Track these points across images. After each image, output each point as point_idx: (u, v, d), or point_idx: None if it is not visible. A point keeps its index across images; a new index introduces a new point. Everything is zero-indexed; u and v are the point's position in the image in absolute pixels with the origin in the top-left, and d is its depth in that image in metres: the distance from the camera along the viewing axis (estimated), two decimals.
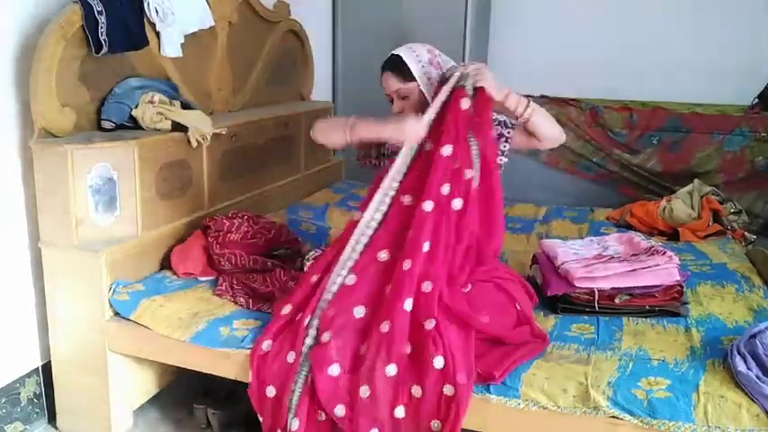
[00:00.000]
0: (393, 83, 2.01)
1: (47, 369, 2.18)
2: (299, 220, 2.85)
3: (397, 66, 2.01)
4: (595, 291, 2.01)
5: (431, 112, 1.87)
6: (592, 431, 1.63)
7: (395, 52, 2.04)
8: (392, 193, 1.90)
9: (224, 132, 2.46)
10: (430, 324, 1.71)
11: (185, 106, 2.35)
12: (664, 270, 2.02)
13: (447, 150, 1.82)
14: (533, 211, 3.14)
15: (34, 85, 1.95)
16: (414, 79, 2.01)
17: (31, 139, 2.00)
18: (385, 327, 1.71)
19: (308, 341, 1.79)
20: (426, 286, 1.76)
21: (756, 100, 3.73)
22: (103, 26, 2.07)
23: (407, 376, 1.69)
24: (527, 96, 1.98)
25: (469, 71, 1.87)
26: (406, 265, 1.76)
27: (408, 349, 1.71)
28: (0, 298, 2.07)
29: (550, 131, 1.97)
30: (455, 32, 3.74)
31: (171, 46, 2.39)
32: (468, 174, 1.84)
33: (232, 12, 2.77)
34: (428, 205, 1.80)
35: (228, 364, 1.92)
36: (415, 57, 2.01)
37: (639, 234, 2.50)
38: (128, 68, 2.29)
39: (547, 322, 1.97)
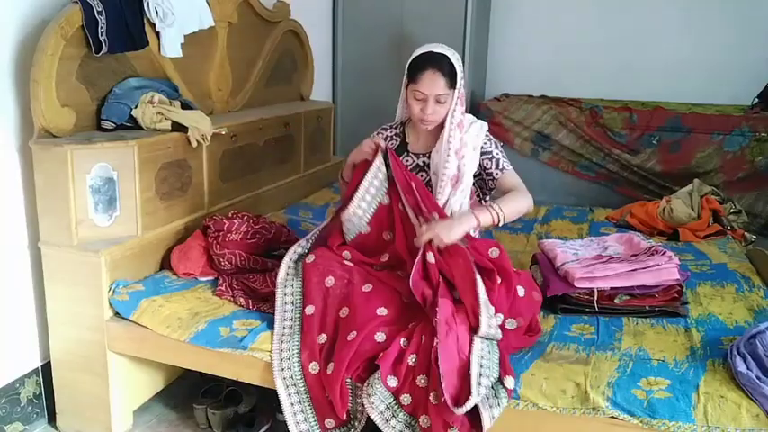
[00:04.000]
0: (441, 85, 1.95)
1: (47, 369, 2.18)
2: (298, 219, 2.85)
3: (448, 67, 1.96)
4: (595, 291, 2.01)
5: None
6: (591, 431, 1.63)
7: (437, 50, 1.98)
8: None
9: (224, 132, 2.46)
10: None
11: (185, 106, 2.34)
12: (664, 270, 2.02)
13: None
14: (533, 211, 3.13)
15: (34, 85, 1.95)
16: (455, 87, 1.99)
17: (31, 139, 2.00)
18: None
19: None
20: None
21: (756, 100, 3.73)
22: (103, 26, 2.07)
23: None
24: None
25: (424, 241, 1.85)
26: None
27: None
28: (0, 298, 2.07)
29: (520, 213, 2.03)
30: (455, 32, 3.74)
31: (171, 46, 2.39)
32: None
33: (232, 12, 2.77)
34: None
35: (228, 364, 1.92)
36: (458, 61, 2.00)
37: (639, 234, 2.50)
38: (128, 68, 2.29)
39: (547, 322, 1.97)
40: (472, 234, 1.98)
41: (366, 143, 2.04)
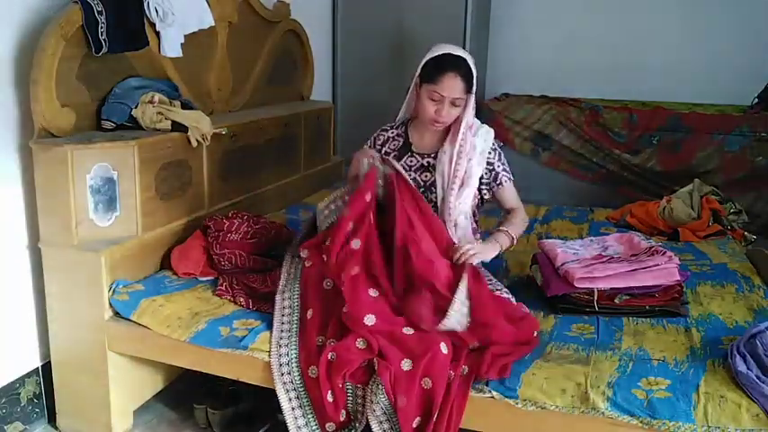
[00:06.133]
0: (460, 89, 1.96)
1: (47, 369, 2.18)
2: (298, 220, 2.85)
3: (467, 71, 1.97)
4: (595, 291, 2.01)
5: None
6: (591, 431, 1.63)
7: (456, 53, 1.98)
8: None
9: (224, 132, 2.46)
10: None
11: (185, 106, 2.34)
12: (664, 270, 2.02)
13: None
14: (533, 211, 3.14)
15: (34, 85, 1.95)
16: (471, 91, 1.99)
17: (31, 139, 2.00)
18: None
19: None
20: None
21: (756, 100, 3.73)
22: (103, 26, 2.07)
23: None
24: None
25: (467, 257, 1.90)
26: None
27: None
28: (0, 298, 2.07)
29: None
30: (455, 32, 3.74)
31: (171, 46, 2.39)
32: None
33: (232, 12, 2.77)
34: None
35: (228, 364, 1.92)
36: (474, 66, 2.01)
37: (639, 234, 2.50)
38: (128, 68, 2.29)
39: (547, 322, 1.97)
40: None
41: (364, 164, 2.00)
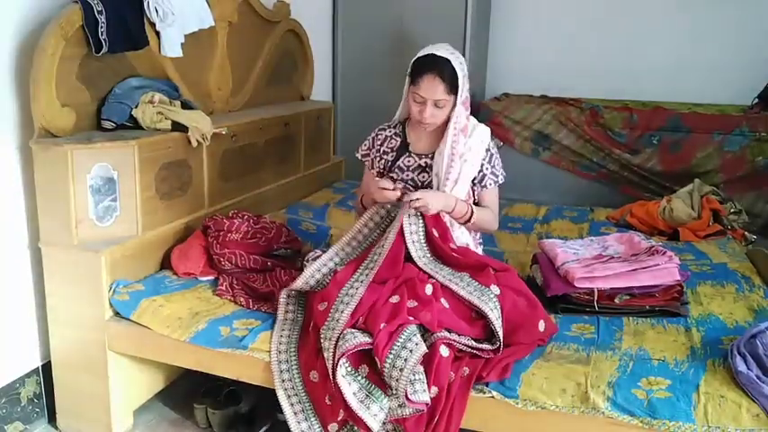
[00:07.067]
0: (440, 91, 1.93)
1: (47, 369, 2.18)
2: (298, 219, 2.85)
3: (449, 72, 1.93)
4: (595, 291, 2.01)
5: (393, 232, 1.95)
6: (591, 431, 1.63)
7: (440, 53, 1.94)
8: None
9: (224, 132, 2.46)
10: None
11: (185, 106, 2.35)
12: (664, 270, 2.02)
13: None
14: (533, 210, 3.14)
15: (34, 85, 1.95)
16: (456, 93, 1.96)
17: (31, 139, 2.00)
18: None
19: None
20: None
21: (756, 100, 3.72)
22: (103, 26, 2.07)
23: None
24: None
25: (412, 208, 1.93)
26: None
27: None
28: (0, 298, 2.07)
29: (482, 229, 2.19)
30: (455, 32, 3.74)
31: (171, 46, 2.39)
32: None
33: (232, 12, 2.77)
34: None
35: (228, 364, 1.92)
36: (461, 66, 1.97)
37: (639, 234, 2.50)
38: (128, 68, 2.29)
39: None
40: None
41: (390, 194, 1.98)
